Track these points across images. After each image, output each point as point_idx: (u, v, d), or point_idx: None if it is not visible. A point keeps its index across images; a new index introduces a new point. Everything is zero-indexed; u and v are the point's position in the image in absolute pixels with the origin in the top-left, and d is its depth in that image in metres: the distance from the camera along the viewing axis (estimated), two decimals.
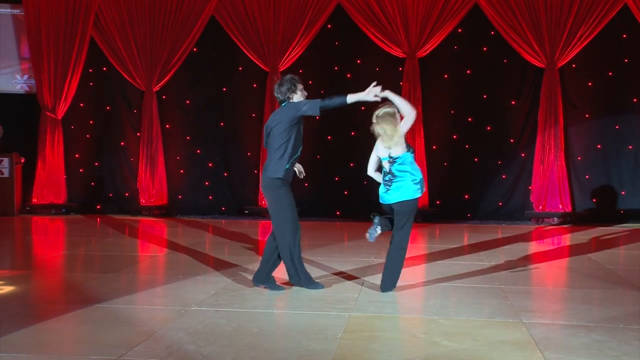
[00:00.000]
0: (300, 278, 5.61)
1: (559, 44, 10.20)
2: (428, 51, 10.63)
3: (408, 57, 10.62)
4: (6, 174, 11.18)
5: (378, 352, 4.05)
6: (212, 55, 11.24)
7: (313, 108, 5.42)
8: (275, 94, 5.69)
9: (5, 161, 11.18)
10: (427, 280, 6.24)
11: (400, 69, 10.70)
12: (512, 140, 10.69)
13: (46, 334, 4.44)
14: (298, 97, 5.61)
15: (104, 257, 7.27)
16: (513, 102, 10.70)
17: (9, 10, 12.07)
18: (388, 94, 5.50)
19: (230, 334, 4.40)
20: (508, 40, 10.34)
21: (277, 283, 5.67)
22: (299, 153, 5.64)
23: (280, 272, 5.76)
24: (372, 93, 5.47)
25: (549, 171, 10.29)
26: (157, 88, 11.22)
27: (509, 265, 6.79)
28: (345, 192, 11.07)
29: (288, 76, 5.70)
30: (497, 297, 5.47)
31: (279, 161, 5.49)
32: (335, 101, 5.46)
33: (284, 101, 5.63)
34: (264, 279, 5.64)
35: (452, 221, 10.45)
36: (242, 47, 10.92)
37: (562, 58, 10.27)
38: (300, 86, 5.63)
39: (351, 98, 5.47)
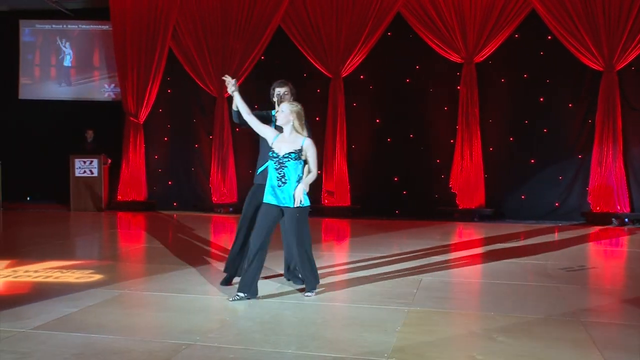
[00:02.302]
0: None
1: (618, 47, 9.77)
2: (485, 56, 10.40)
3: (465, 63, 10.42)
4: (95, 173, 11.68)
5: (436, 346, 3.99)
6: (278, 63, 11.36)
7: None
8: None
9: (95, 162, 11.67)
10: (483, 278, 6.10)
11: (458, 73, 10.51)
12: (569, 142, 10.32)
13: (130, 319, 4.60)
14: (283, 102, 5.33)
15: (180, 250, 7.46)
16: (570, 105, 10.33)
17: (99, 27, 12.66)
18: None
19: (295, 324, 4.44)
20: (565, 44, 9.98)
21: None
22: (265, 162, 5.32)
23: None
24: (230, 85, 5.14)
25: (607, 172, 9.86)
26: (228, 94, 11.44)
27: (566, 265, 6.55)
28: (404, 192, 10.98)
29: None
30: (553, 296, 5.29)
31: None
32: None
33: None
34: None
35: (509, 221, 10.19)
36: (306, 55, 10.99)
37: (620, 61, 9.83)
38: (273, 92, 5.46)
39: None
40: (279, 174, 4.95)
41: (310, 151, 5.01)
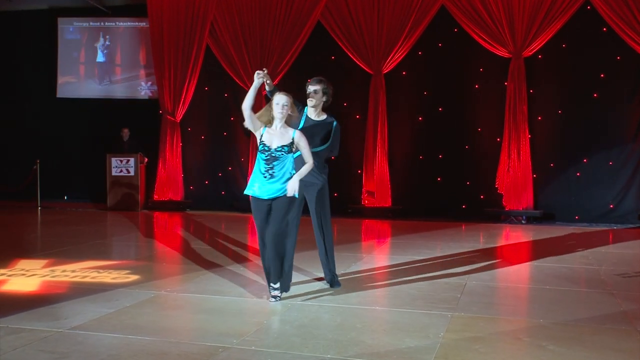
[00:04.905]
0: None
1: None
2: (534, 50, 10.21)
3: (513, 57, 10.24)
4: (132, 172, 11.91)
5: (481, 353, 3.94)
6: (317, 59, 11.37)
7: None
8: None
9: (131, 161, 11.91)
10: (531, 283, 5.99)
11: (505, 68, 10.33)
12: (625, 141, 10.04)
13: (166, 320, 4.69)
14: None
15: (217, 251, 7.56)
16: (627, 101, 10.03)
17: (136, 24, 12.92)
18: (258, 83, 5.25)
19: (334, 329, 4.44)
20: (622, 35, 9.71)
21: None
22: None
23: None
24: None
25: None
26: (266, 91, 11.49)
27: (621, 271, 6.37)
28: (448, 193, 10.86)
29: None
30: (607, 303, 5.15)
31: None
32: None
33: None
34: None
35: (559, 223, 9.98)
36: (346, 51, 10.98)
37: None
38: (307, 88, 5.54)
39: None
40: (268, 166, 5.02)
41: (302, 142, 5.10)
